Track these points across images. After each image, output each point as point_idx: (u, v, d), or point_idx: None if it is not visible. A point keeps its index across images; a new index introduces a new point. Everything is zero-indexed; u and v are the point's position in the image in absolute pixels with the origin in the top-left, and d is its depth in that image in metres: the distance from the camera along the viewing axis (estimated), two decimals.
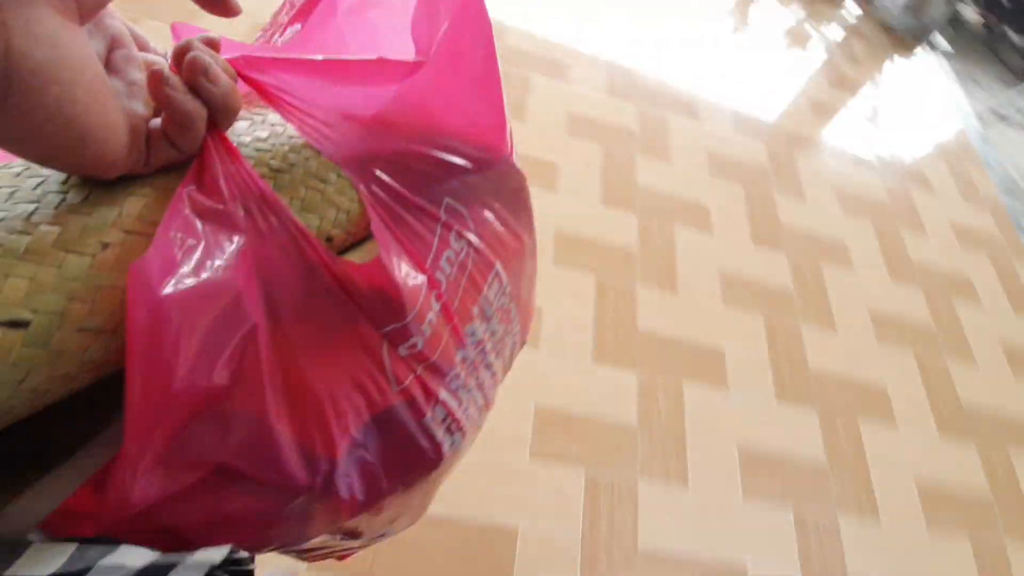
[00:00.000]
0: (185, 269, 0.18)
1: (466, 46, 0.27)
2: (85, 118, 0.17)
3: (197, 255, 0.19)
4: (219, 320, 0.19)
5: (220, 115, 0.21)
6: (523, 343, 0.43)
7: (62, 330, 0.18)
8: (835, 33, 2.28)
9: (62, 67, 0.16)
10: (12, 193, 0.19)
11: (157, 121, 0.21)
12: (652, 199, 1.37)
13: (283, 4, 0.35)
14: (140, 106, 0.20)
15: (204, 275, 0.19)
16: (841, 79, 2.03)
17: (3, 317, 0.17)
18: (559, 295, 1.14)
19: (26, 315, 0.17)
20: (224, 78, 0.21)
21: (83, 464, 0.21)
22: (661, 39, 1.84)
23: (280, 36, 0.32)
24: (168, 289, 0.18)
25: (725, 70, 1.82)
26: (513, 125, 1.27)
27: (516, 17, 1.67)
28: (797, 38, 2.15)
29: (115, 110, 0.18)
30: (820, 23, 2.29)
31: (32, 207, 0.19)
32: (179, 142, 0.20)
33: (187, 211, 0.19)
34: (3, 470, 0.20)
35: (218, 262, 0.20)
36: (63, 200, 0.19)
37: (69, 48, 0.16)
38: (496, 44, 0.29)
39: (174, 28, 0.27)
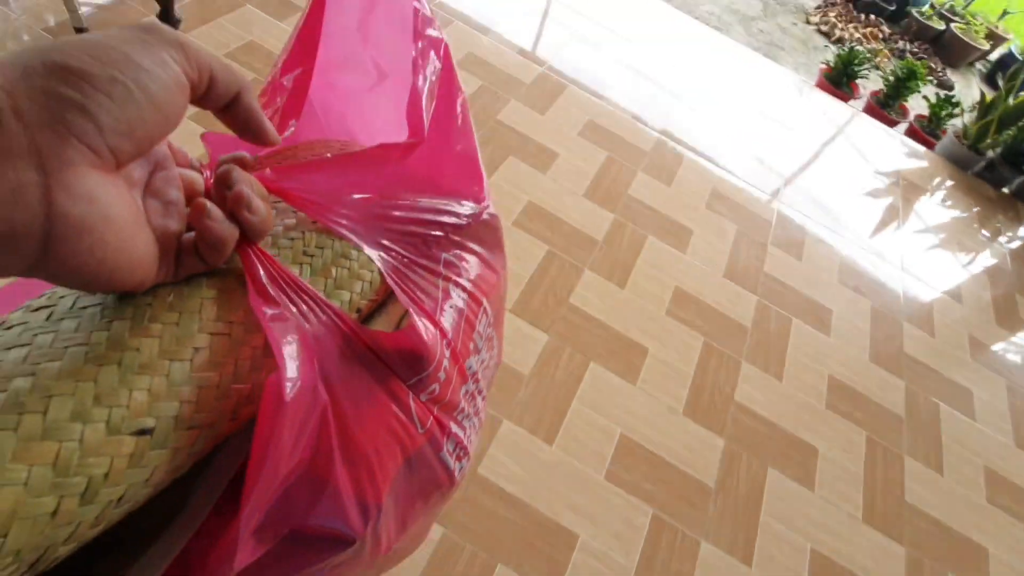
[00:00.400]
0: (290, 375, 0.21)
1: (451, 119, 0.33)
2: (115, 257, 0.19)
3: (293, 360, 0.22)
4: (307, 408, 0.23)
5: (256, 236, 0.23)
6: (500, 362, 0.46)
7: (177, 430, 0.21)
8: (1013, 247, 1.95)
9: (96, 219, 0.17)
10: (102, 310, 0.21)
11: (190, 235, 0.23)
12: (747, 422, 1.14)
13: (267, 85, 0.35)
14: (174, 223, 0.22)
15: (300, 376, 0.22)
16: (1011, 316, 1.70)
17: (135, 428, 0.20)
18: (607, 516, 0.93)
19: (150, 423, 0.20)
20: (262, 207, 0.23)
21: (169, 544, 0.23)
22: (796, 225, 1.63)
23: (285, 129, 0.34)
24: (289, 396, 0.21)
25: (872, 275, 1.57)
26: (613, 299, 1.07)
27: (648, 185, 1.55)
28: (964, 246, 1.85)
29: (144, 243, 0.20)
30: (994, 233, 1.97)
31: (128, 323, 0.21)
32: (209, 259, 0.22)
33: (269, 324, 0.22)
34: (98, 556, 0.23)
35: (300, 360, 0.23)
36: (150, 312, 0.22)
37: (104, 201, 0.18)
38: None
39: (206, 139, 0.29)
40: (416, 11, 0.34)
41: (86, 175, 0.17)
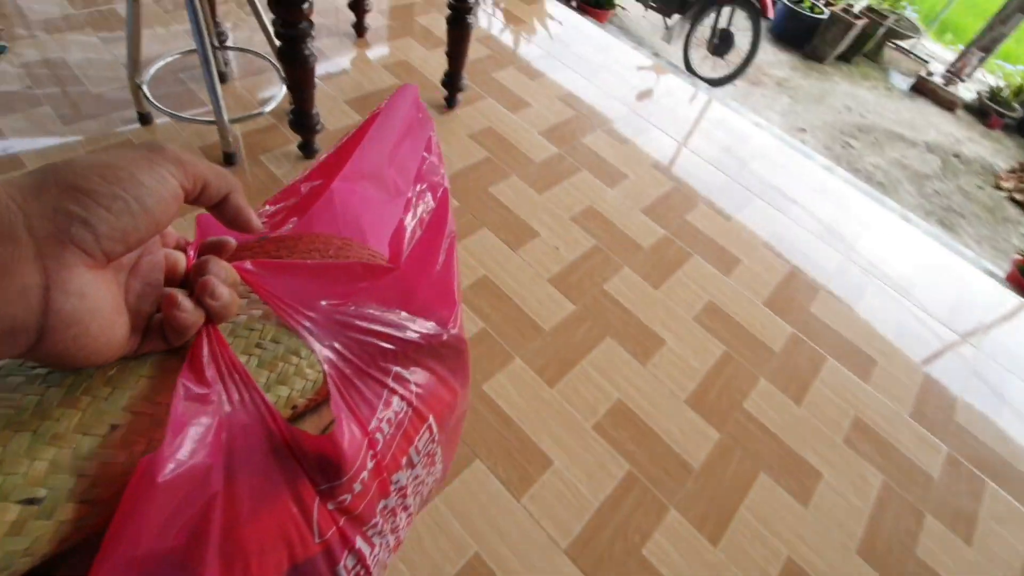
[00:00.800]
0: (177, 456, 0.22)
1: (435, 251, 0.36)
2: (94, 344, 0.21)
3: (186, 441, 0.23)
4: (190, 492, 0.23)
5: (216, 320, 0.26)
6: (444, 477, 0.46)
7: (68, 503, 0.21)
8: None
9: (84, 313, 0.20)
10: (47, 374, 0.23)
11: (159, 315, 0.25)
12: None
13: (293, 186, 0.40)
14: (148, 305, 0.25)
15: (188, 459, 0.22)
16: None
17: (23, 496, 0.20)
18: None
19: (41, 493, 0.20)
20: (226, 295, 0.25)
21: None
22: (969, 487, 1.25)
23: (290, 220, 0.38)
24: (163, 477, 0.21)
25: None
26: (699, 560, 0.78)
27: (771, 399, 1.29)
28: None
29: (121, 327, 0.22)
30: None
31: (62, 392, 0.22)
32: (172, 342, 0.25)
33: (183, 400, 0.23)
34: None
35: (199, 443, 0.23)
36: (87, 384, 0.23)
37: (92, 296, 0.21)
38: None
39: (199, 220, 0.33)
40: (424, 159, 0.38)
41: (80, 274, 0.20)
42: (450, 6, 1.53)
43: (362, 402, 0.31)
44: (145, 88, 1.41)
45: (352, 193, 0.37)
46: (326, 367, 0.29)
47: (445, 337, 0.36)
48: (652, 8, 3.15)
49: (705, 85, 2.67)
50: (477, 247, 1.39)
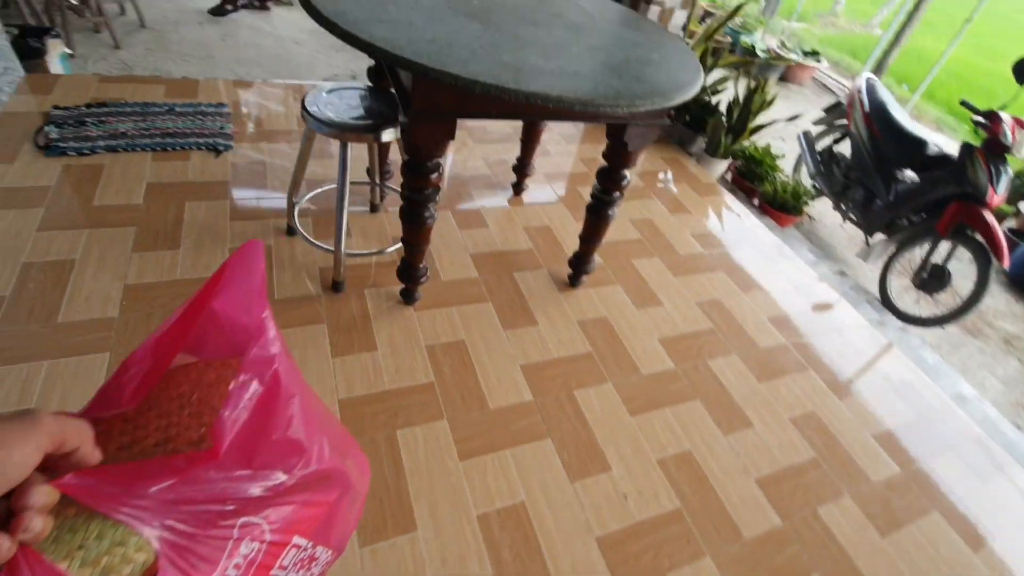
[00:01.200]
0: None
1: (271, 423, 0.38)
2: None
3: None
4: None
5: (30, 544, 0.28)
6: (340, 552, 0.51)
7: None
8: None
9: None
10: None
11: None
12: None
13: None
14: None
15: None
16: None
17: None
18: None
19: None
20: (38, 526, 0.28)
21: None
22: None
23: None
24: None
25: None
26: None
27: None
28: None
29: None
30: None
31: None
32: None
33: None
34: None
35: None
36: None
37: None
38: None
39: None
40: (250, 347, 0.39)
41: None
42: (594, 195, 1.46)
43: (201, 562, 0.34)
44: (297, 208, 1.55)
45: (231, 315, 0.41)
46: (157, 545, 0.32)
47: (292, 482, 0.40)
48: (852, 221, 2.81)
49: (899, 323, 2.22)
50: (528, 460, 1.18)
